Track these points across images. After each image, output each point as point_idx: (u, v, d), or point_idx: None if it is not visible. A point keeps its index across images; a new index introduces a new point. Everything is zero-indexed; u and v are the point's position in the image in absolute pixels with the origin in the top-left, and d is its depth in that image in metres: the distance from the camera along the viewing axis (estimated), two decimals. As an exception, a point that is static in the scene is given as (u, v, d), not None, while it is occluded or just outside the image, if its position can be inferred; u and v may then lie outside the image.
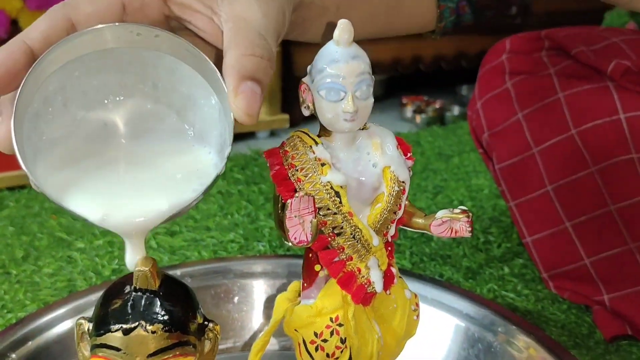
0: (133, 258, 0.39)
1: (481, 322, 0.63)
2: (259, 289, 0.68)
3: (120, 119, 0.41)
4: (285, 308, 0.47)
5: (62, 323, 0.62)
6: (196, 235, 0.92)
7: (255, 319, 0.66)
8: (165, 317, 0.37)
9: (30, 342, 0.59)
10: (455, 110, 1.60)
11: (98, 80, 0.40)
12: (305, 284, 0.46)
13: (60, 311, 0.62)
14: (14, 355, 0.58)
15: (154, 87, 0.42)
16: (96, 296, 0.63)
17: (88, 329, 0.39)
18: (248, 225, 0.96)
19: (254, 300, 0.67)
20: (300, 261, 0.68)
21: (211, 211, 1.00)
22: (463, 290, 0.69)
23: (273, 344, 0.65)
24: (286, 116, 1.37)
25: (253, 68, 0.38)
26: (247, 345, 0.63)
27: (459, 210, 0.45)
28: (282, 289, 0.66)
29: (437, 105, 1.60)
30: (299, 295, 0.48)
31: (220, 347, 0.44)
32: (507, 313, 0.64)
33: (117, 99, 0.41)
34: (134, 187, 0.38)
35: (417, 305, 0.48)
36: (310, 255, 0.46)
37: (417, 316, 0.48)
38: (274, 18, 0.42)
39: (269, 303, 0.66)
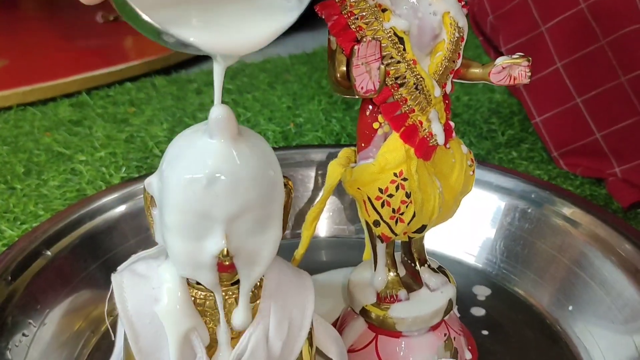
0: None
1: (513, 192, 0.64)
2: (298, 178, 0.67)
3: None
4: (339, 172, 0.47)
5: (93, 220, 0.60)
6: (200, 141, 0.90)
7: (299, 205, 0.66)
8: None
9: (63, 239, 0.58)
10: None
11: None
12: (362, 145, 0.45)
13: (91, 207, 0.60)
14: (48, 252, 0.56)
15: None
16: (126, 190, 0.62)
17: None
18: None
19: (297, 189, 0.66)
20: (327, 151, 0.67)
21: (209, 119, 0.98)
22: (487, 164, 0.69)
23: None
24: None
25: None
26: (296, 235, 0.62)
27: (518, 55, 0.44)
28: (323, 174, 0.66)
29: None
30: (350, 161, 0.48)
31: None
32: (536, 180, 0.65)
33: None
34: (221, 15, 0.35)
35: (473, 160, 0.48)
36: (367, 113, 0.45)
37: (473, 172, 0.48)
38: None
39: (313, 191, 0.66)
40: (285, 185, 0.39)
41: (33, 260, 0.55)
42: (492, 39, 0.89)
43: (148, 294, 0.39)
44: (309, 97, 1.05)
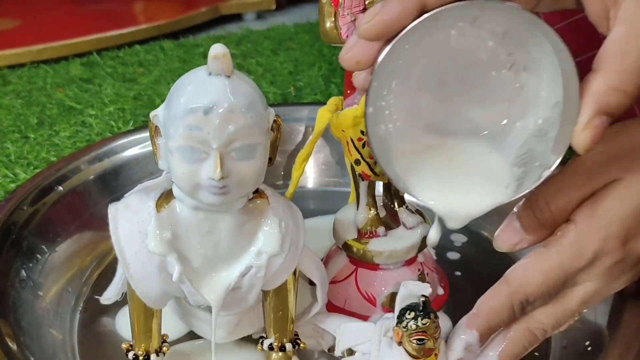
0: (436, 236, 0.42)
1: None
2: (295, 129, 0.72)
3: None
4: (327, 117, 0.51)
5: (102, 162, 0.65)
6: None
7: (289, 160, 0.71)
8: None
9: (74, 177, 0.63)
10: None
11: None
12: (348, 92, 0.50)
13: (101, 150, 0.65)
14: (60, 188, 0.61)
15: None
16: (134, 136, 0.67)
17: (163, 120, 0.42)
18: (252, 92, 0.99)
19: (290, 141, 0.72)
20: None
21: (214, 81, 1.02)
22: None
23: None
24: (272, -3, 1.38)
25: (615, 106, 0.35)
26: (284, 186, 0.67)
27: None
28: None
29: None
30: (337, 108, 0.52)
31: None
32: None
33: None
34: (461, 181, 0.40)
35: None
36: (353, 62, 0.49)
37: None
38: None
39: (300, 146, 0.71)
40: (275, 121, 0.44)
41: (46, 194, 0.60)
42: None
43: (135, 227, 0.43)
44: (309, 63, 1.10)
